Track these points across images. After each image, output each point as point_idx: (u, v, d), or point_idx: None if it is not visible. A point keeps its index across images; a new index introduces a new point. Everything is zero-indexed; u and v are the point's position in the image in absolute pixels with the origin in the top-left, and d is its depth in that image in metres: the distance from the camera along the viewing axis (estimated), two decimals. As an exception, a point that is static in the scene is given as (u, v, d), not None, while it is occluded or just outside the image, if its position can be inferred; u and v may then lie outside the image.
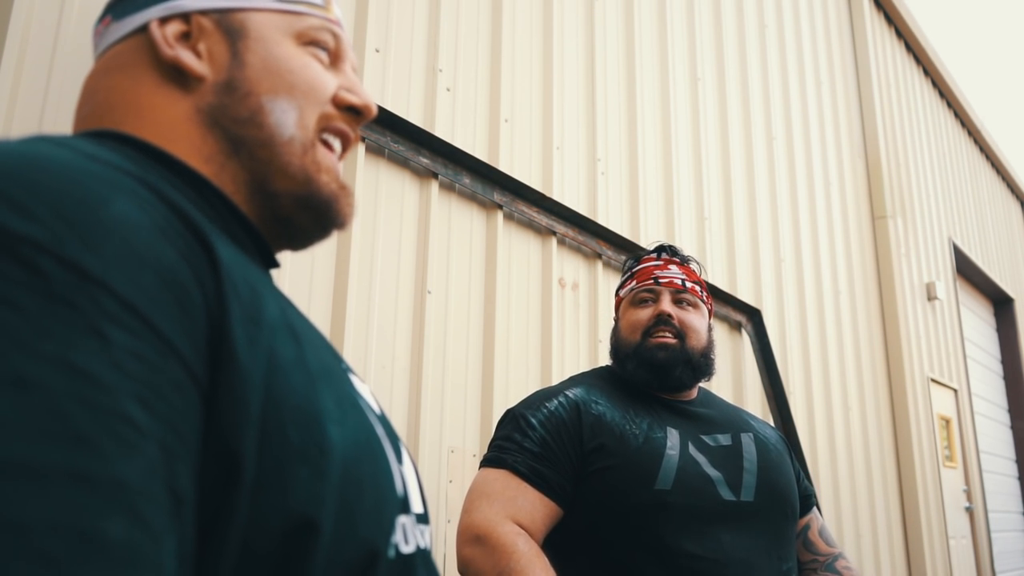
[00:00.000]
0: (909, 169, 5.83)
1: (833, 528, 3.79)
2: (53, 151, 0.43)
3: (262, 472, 0.43)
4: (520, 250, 2.35)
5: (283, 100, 0.60)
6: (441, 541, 1.90)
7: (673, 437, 1.32)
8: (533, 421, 1.31)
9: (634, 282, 1.47)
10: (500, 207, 2.28)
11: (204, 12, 0.60)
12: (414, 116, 2.08)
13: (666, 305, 1.41)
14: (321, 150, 0.62)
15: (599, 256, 2.64)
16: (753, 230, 3.72)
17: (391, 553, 0.51)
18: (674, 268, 1.46)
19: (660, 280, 1.43)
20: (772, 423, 3.42)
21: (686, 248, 3.14)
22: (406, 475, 0.57)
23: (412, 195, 2.07)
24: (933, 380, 5.41)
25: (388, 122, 1.98)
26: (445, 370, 2.04)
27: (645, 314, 1.42)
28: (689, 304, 1.43)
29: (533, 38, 2.59)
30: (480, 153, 2.26)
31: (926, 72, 6.85)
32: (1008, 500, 7.25)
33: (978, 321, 7.53)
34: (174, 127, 0.57)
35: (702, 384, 1.50)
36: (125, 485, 0.35)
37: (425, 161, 2.07)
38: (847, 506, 3.99)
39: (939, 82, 7.04)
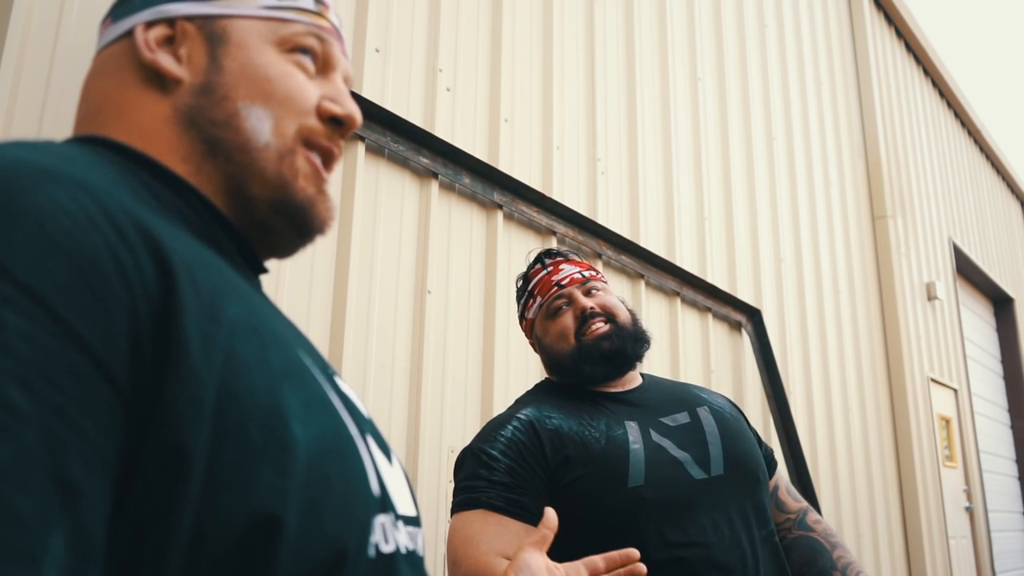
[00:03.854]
0: (909, 169, 5.83)
1: (833, 527, 3.79)
2: (6, 149, 0.44)
3: (221, 470, 0.43)
4: (520, 250, 2.35)
5: (259, 107, 0.60)
6: (441, 541, 1.90)
7: (633, 431, 1.31)
8: (494, 453, 1.28)
9: (538, 298, 1.46)
10: (500, 207, 2.28)
11: (189, 18, 0.61)
12: (414, 116, 2.08)
13: (582, 301, 1.41)
14: (301, 157, 0.62)
15: (599, 256, 2.64)
16: (753, 230, 3.72)
17: (370, 552, 0.51)
18: (565, 266, 1.46)
19: (562, 283, 1.44)
20: (772, 423, 3.42)
21: (686, 247, 3.15)
22: (385, 475, 0.56)
23: (412, 195, 2.07)
24: (933, 380, 5.41)
25: (388, 122, 1.98)
26: (445, 370, 2.04)
27: (568, 319, 1.41)
28: (597, 290, 1.44)
29: (533, 38, 2.59)
30: (480, 153, 2.26)
31: (926, 72, 6.85)
32: (1008, 500, 7.25)
33: (978, 321, 7.53)
34: (153, 127, 0.59)
35: (643, 370, 1.50)
36: None
37: (425, 161, 2.07)
38: (847, 506, 3.99)
39: (939, 82, 7.04)
